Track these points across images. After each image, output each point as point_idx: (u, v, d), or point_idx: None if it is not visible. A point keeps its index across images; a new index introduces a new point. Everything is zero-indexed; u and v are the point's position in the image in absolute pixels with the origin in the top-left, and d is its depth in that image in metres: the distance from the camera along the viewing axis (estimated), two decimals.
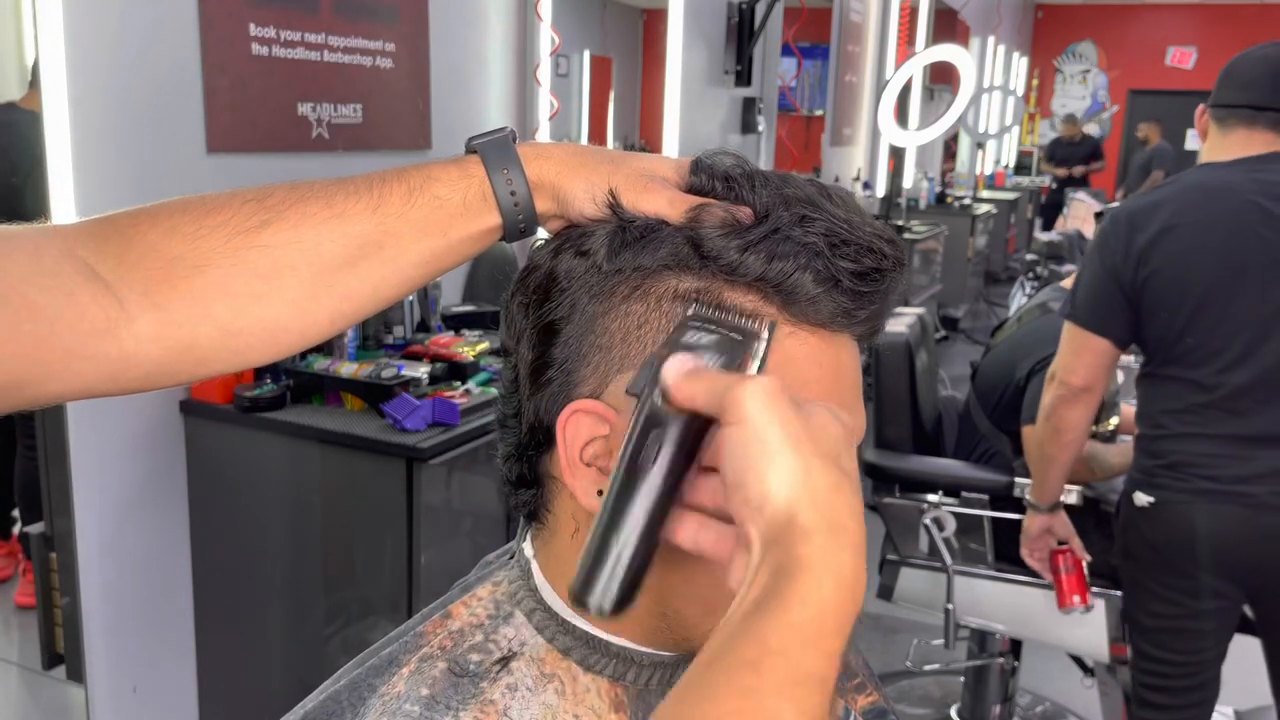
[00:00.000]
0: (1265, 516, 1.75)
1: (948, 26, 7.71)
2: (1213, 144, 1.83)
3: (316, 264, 0.58)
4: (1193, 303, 1.76)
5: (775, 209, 0.55)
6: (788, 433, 0.43)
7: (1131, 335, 1.86)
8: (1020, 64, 11.61)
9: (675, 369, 0.47)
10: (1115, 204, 2.53)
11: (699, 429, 0.47)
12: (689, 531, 0.48)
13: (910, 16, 6.82)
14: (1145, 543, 1.89)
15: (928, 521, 2.27)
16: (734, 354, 0.50)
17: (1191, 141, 12.38)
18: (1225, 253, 1.74)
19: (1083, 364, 1.88)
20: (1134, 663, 1.99)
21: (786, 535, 0.42)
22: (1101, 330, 1.85)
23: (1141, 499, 1.86)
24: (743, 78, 4.30)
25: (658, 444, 0.46)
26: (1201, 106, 1.87)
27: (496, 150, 0.60)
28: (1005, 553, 2.29)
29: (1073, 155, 10.44)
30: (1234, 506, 1.77)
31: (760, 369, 0.50)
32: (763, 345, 0.51)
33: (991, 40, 9.45)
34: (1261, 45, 1.85)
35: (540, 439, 0.60)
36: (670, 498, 0.46)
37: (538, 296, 0.59)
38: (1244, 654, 2.02)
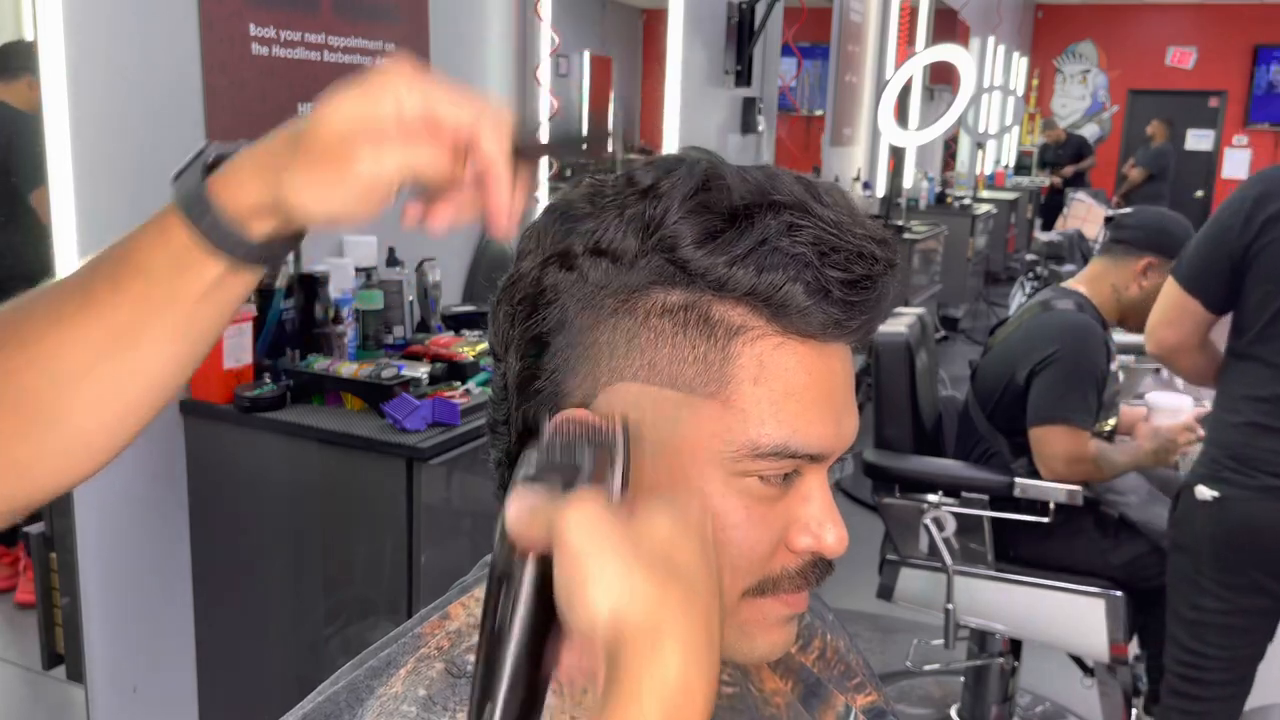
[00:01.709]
0: None
1: (948, 26, 7.71)
2: None
3: (61, 379, 0.55)
4: None
5: (762, 216, 0.54)
6: (602, 545, 0.42)
7: (1226, 303, 1.83)
8: (1020, 64, 11.61)
9: (513, 514, 0.45)
10: (1125, 210, 2.54)
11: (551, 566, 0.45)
12: (571, 663, 0.47)
13: (910, 16, 6.82)
14: (1202, 537, 1.87)
15: (928, 521, 2.27)
16: (590, 468, 0.47)
17: (1192, 142, 12.40)
18: None
19: (1174, 322, 1.88)
20: (1170, 651, 1.99)
21: (613, 651, 0.41)
22: (1195, 291, 1.84)
23: (1205, 493, 1.83)
24: (743, 78, 4.30)
25: (511, 599, 0.45)
26: None
27: (183, 191, 0.55)
28: (1005, 553, 2.29)
29: (1061, 158, 10.52)
30: None
31: (624, 475, 0.48)
32: (619, 452, 0.48)
33: (991, 40, 9.45)
34: None
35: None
36: (538, 647, 0.45)
37: (524, 308, 0.58)
38: None
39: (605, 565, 0.42)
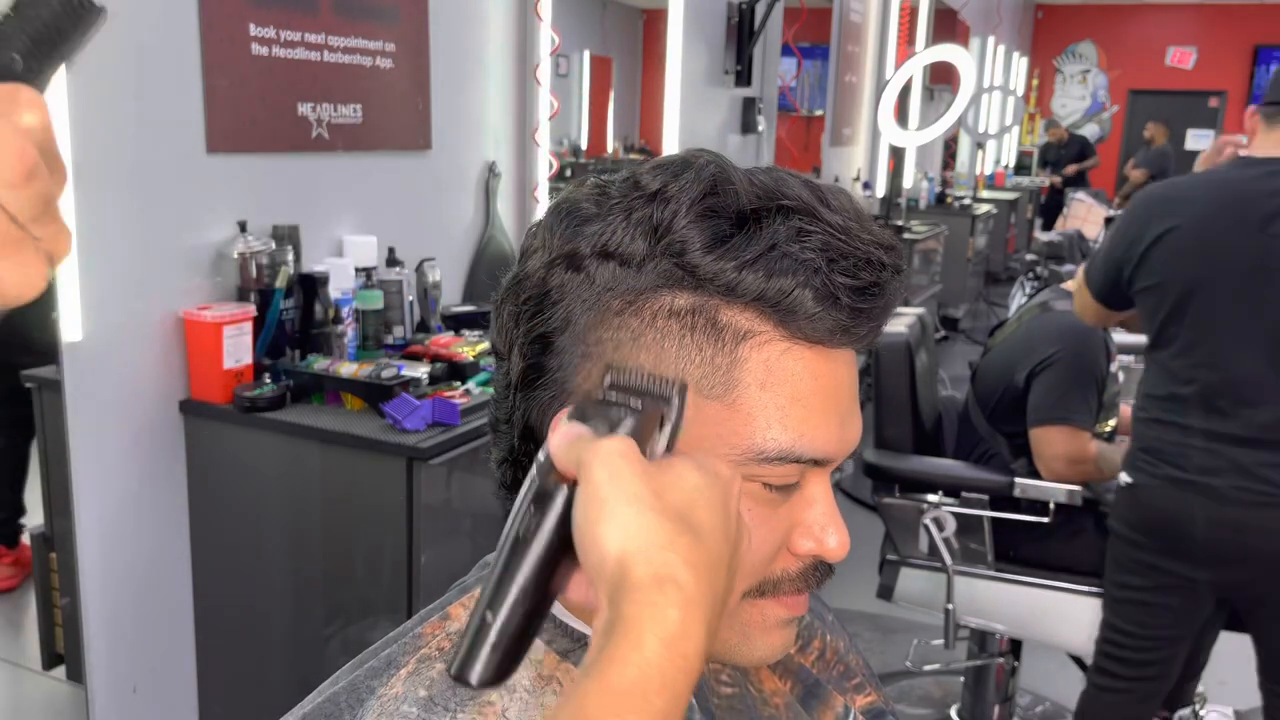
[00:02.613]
0: (1226, 508, 1.82)
1: (948, 26, 7.71)
2: (1258, 142, 1.85)
3: None
4: (1175, 293, 1.83)
5: (770, 221, 0.54)
6: (624, 488, 0.43)
7: (1122, 304, 1.98)
8: (1020, 64, 11.60)
9: (559, 438, 0.47)
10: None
11: None
12: (580, 590, 0.48)
13: (910, 16, 6.81)
14: (1122, 519, 2.00)
15: (928, 521, 2.27)
16: (639, 418, 0.49)
17: (1192, 142, 12.38)
18: (1214, 251, 1.80)
19: (1090, 312, 2.07)
20: (1100, 630, 2.09)
21: (617, 593, 0.42)
22: (1096, 291, 2.00)
23: (1124, 478, 1.97)
24: (743, 78, 4.30)
25: (540, 516, 0.47)
26: (1252, 107, 1.90)
27: None
28: (1005, 553, 2.29)
29: (1063, 157, 10.49)
30: (1196, 495, 1.85)
31: (674, 432, 0.49)
32: (673, 410, 0.49)
33: (991, 40, 9.45)
34: None
35: (532, 446, 0.60)
36: (553, 567, 0.46)
37: (529, 308, 0.58)
38: (1244, 654, 2.02)
39: (621, 507, 0.43)
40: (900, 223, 5.70)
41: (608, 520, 0.43)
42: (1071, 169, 10.31)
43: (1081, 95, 13.23)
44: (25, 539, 2.26)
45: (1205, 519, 1.84)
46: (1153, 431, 1.91)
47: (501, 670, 0.45)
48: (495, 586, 0.46)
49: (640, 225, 0.55)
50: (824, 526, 0.58)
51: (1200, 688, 2.42)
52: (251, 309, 2.01)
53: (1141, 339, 2.02)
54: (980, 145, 8.77)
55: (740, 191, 0.55)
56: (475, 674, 0.45)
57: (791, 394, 0.55)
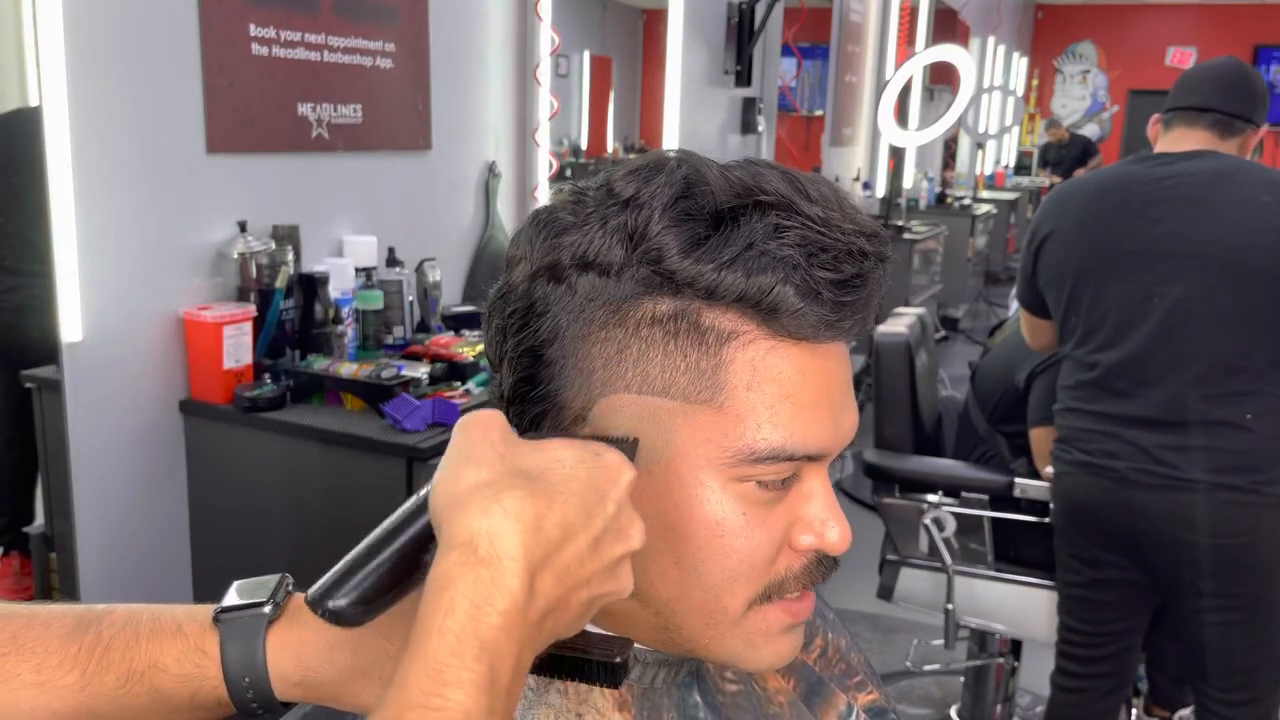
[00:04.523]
0: (1127, 490, 1.86)
1: (948, 26, 7.71)
2: (1159, 146, 1.93)
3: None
4: (1069, 285, 1.91)
5: (747, 218, 0.53)
6: (472, 447, 0.46)
7: (1041, 309, 2.04)
8: (1020, 64, 11.61)
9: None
10: None
11: None
12: None
13: (910, 16, 6.82)
14: (1054, 513, 2.06)
15: (928, 521, 2.27)
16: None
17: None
18: (1101, 239, 1.88)
19: (1028, 330, 2.14)
20: (1058, 630, 2.13)
21: (442, 548, 0.43)
22: (1031, 309, 2.08)
23: (1049, 471, 2.03)
24: (743, 78, 4.30)
25: None
26: (1155, 116, 1.97)
27: (241, 643, 0.53)
28: (1005, 553, 2.29)
29: (1064, 158, 10.45)
30: (1101, 479, 1.89)
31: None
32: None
33: (991, 40, 9.45)
34: (1215, 58, 2.00)
35: None
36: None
37: (515, 321, 0.57)
38: None
39: (462, 462, 0.46)
40: (900, 223, 5.70)
41: (446, 472, 0.45)
42: (1080, 173, 10.28)
43: (1081, 95, 13.24)
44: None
45: (1110, 503, 1.89)
46: (1065, 420, 1.96)
47: (364, 604, 0.46)
48: (392, 528, 0.48)
49: (616, 233, 0.54)
50: (824, 520, 0.57)
51: None
52: (251, 309, 2.00)
53: None
54: (980, 145, 8.77)
55: (715, 190, 0.54)
56: (342, 600, 0.45)
57: (779, 392, 0.54)
